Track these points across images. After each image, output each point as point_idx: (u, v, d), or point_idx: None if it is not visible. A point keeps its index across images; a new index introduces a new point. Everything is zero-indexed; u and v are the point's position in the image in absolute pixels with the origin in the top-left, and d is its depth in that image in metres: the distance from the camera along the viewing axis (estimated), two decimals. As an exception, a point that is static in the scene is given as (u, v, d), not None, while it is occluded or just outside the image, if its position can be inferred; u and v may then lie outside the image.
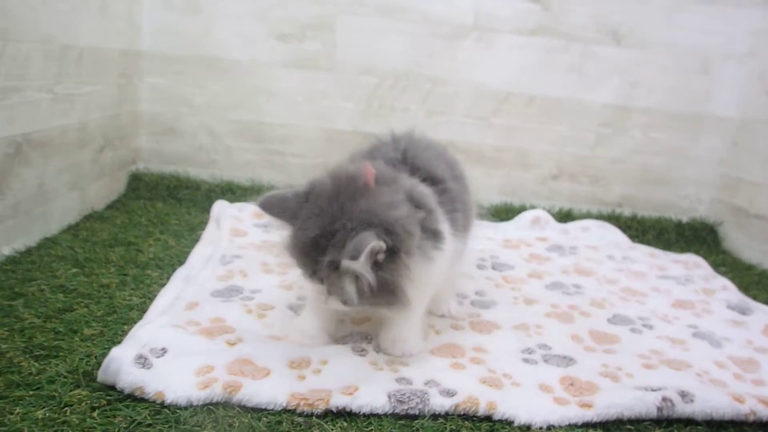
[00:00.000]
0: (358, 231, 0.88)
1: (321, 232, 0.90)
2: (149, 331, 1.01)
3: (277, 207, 0.94)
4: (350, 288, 0.91)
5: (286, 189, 0.95)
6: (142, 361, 0.92)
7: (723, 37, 2.11)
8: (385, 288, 0.91)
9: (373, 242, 0.86)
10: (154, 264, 1.40)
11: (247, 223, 1.71)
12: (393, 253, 0.90)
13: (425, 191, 1.01)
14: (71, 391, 0.88)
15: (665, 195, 2.26)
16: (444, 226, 1.01)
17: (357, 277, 0.90)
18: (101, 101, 1.75)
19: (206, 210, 1.87)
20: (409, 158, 1.09)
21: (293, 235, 0.94)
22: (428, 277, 0.98)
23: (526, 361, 1.09)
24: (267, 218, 0.96)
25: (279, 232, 0.98)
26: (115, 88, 1.84)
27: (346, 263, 0.87)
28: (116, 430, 0.81)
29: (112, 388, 0.89)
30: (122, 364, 0.90)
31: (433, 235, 0.97)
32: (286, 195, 0.94)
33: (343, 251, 0.87)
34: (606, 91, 2.15)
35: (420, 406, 0.91)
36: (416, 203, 0.96)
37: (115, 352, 0.92)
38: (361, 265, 0.86)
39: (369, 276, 0.88)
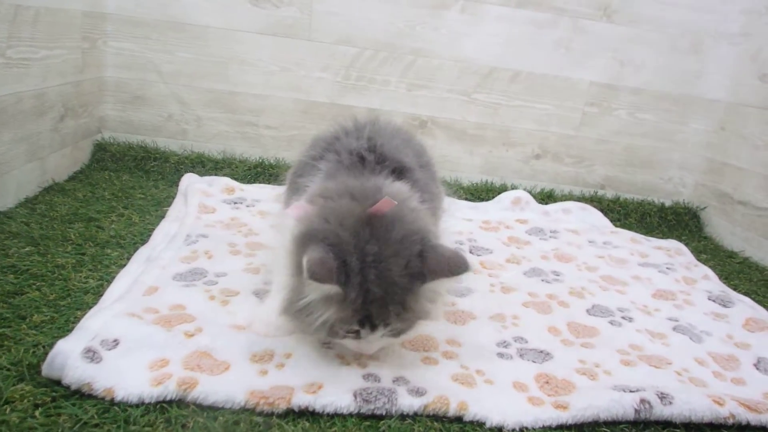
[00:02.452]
0: (426, 251, 0.86)
1: (395, 278, 0.84)
2: (102, 320, 0.95)
3: (328, 272, 0.81)
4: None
5: (315, 253, 0.82)
6: (91, 355, 0.86)
7: (716, 15, 2.04)
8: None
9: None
10: (115, 242, 1.33)
11: (216, 199, 1.64)
12: None
13: (402, 189, 0.97)
14: (14, 385, 0.81)
15: (649, 178, 2.21)
16: None
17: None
18: (61, 67, 1.64)
19: (175, 183, 1.79)
20: (377, 147, 1.03)
21: (355, 298, 0.84)
22: None
23: (500, 355, 1.05)
24: (322, 287, 0.83)
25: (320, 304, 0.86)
26: (77, 53, 1.73)
27: (450, 280, 0.88)
28: (60, 430, 0.76)
29: (58, 383, 0.83)
30: (68, 359, 0.84)
31: None
32: (325, 258, 0.81)
33: (430, 274, 0.86)
34: (594, 68, 2.08)
35: (387, 406, 0.86)
36: None
37: (61, 345, 0.85)
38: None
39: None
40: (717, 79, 2.09)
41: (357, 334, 0.88)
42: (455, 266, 0.86)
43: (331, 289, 0.83)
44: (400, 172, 1.00)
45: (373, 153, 1.01)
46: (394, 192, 0.93)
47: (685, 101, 2.13)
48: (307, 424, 0.83)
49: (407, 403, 0.87)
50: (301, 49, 1.98)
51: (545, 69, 2.07)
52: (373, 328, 0.87)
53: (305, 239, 0.86)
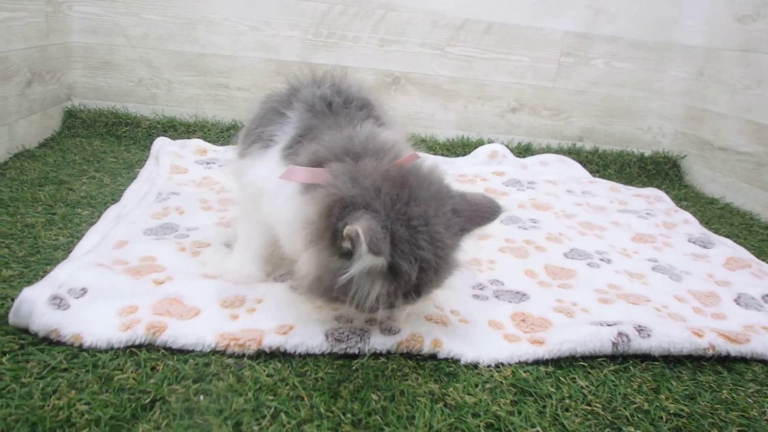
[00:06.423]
0: (458, 202, 0.82)
1: (445, 239, 0.78)
2: (69, 270, 0.93)
3: (384, 243, 0.72)
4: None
5: (368, 222, 0.72)
6: (58, 302, 0.84)
7: (691, -43, 2.02)
8: None
9: None
10: (86, 202, 1.31)
11: (188, 160, 1.62)
12: None
13: (395, 136, 0.92)
14: (-19, 337, 0.80)
15: (628, 128, 2.20)
16: None
17: None
18: (24, 30, 1.60)
19: (147, 147, 1.77)
20: (343, 90, 0.99)
21: (409, 269, 0.75)
22: None
23: (476, 297, 1.05)
24: (375, 260, 0.74)
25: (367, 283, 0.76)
26: (40, 16, 1.68)
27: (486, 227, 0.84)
28: (28, 375, 0.75)
29: (26, 331, 0.82)
30: (35, 306, 0.83)
31: None
32: (377, 228, 0.72)
33: (471, 226, 0.83)
34: (568, 17, 2.05)
35: (360, 345, 0.85)
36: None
37: (27, 292, 0.84)
38: None
39: None
40: (693, 24, 2.07)
41: (394, 305, 0.81)
42: (490, 211, 0.83)
43: (378, 261, 0.74)
44: (368, 107, 0.97)
45: (340, 96, 0.98)
46: (389, 140, 0.87)
47: (661, 48, 2.11)
48: (279, 365, 0.82)
49: (380, 341, 0.86)
50: (269, 6, 1.94)
51: (518, 20, 2.04)
52: (419, 295, 0.81)
53: (342, 207, 0.76)
